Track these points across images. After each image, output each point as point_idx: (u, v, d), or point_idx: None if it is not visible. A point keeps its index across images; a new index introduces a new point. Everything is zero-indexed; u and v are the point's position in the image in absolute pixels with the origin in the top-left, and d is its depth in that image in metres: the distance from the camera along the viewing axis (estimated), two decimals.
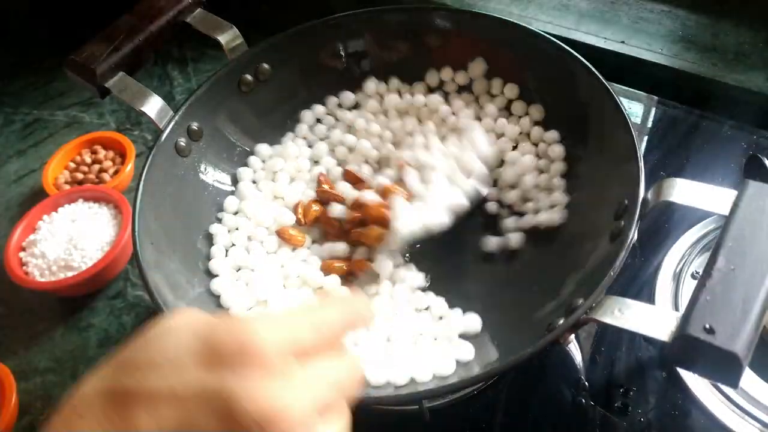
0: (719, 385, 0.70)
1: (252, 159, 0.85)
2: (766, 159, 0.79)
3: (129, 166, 1.00)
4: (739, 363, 0.44)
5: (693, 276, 0.79)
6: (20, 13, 1.24)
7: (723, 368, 0.45)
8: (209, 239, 0.79)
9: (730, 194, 0.55)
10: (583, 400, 0.72)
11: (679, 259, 0.81)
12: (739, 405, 0.69)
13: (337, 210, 0.78)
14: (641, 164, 0.64)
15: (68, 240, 0.90)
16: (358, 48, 0.89)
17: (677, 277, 0.80)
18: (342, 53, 0.89)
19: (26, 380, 0.84)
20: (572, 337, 0.73)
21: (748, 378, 0.70)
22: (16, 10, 1.21)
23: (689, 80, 0.98)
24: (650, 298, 0.79)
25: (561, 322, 0.58)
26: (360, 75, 0.90)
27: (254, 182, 0.84)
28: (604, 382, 0.75)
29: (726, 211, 0.54)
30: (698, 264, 0.80)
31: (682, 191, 0.57)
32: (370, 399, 0.62)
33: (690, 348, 0.46)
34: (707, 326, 0.46)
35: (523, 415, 0.74)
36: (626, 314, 0.52)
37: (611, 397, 0.73)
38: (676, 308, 0.76)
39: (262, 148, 0.86)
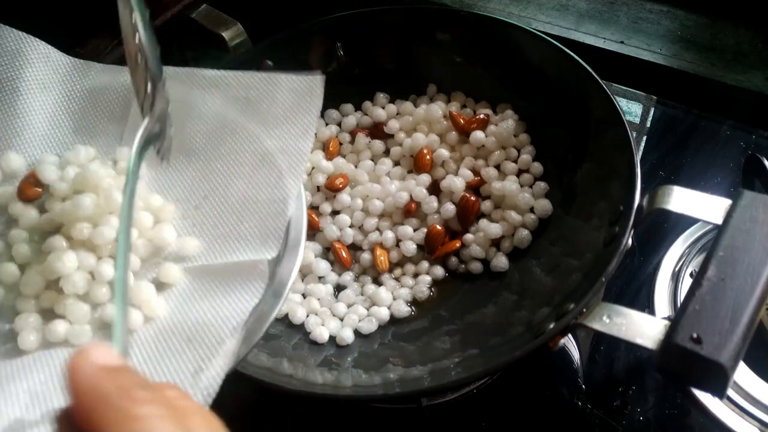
0: None
1: None
2: (765, 159, 0.79)
3: None
4: (725, 374, 0.44)
5: (692, 275, 0.79)
6: (22, 11, 1.24)
7: (709, 378, 0.45)
8: None
9: (725, 203, 0.55)
10: (580, 403, 0.73)
11: (678, 258, 0.81)
12: (738, 405, 0.69)
13: None
14: (638, 171, 0.64)
15: None
16: (358, 47, 0.89)
17: (676, 276, 0.79)
18: (341, 52, 0.90)
19: None
20: (565, 339, 0.74)
21: (748, 378, 0.70)
22: (17, 8, 1.21)
23: (688, 80, 0.98)
24: (649, 297, 0.78)
25: (551, 326, 0.58)
26: (359, 75, 0.90)
27: None
28: (603, 381, 0.75)
29: (720, 220, 0.54)
30: (697, 263, 0.80)
31: (677, 199, 0.57)
32: (368, 397, 0.62)
33: (676, 357, 0.46)
34: (695, 336, 0.46)
35: (522, 414, 0.74)
36: (615, 321, 0.52)
37: (610, 396, 0.73)
38: (675, 307, 0.77)
39: None
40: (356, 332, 0.73)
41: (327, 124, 0.89)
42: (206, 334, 0.51)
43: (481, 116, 0.83)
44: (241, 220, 0.59)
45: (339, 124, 0.90)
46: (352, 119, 0.88)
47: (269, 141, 0.62)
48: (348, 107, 0.90)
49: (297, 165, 0.60)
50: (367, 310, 0.75)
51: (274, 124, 0.64)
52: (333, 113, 0.90)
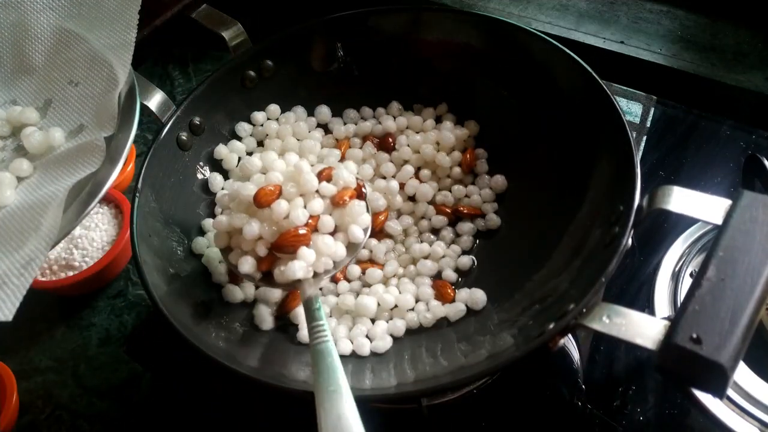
0: None
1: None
2: (765, 159, 0.79)
3: (129, 166, 1.01)
4: (725, 374, 0.44)
5: (692, 275, 0.79)
6: None
7: (709, 379, 0.45)
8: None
9: (725, 203, 0.55)
10: (580, 403, 0.73)
11: (678, 258, 0.81)
12: (738, 405, 0.69)
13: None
14: (638, 171, 0.64)
15: (69, 239, 0.90)
16: (358, 47, 0.90)
17: (676, 276, 0.80)
18: (341, 52, 0.90)
19: (27, 379, 0.84)
20: (565, 339, 0.74)
21: (748, 378, 0.70)
22: None
23: (688, 80, 0.98)
24: (649, 297, 0.79)
25: (551, 326, 0.58)
26: (358, 76, 0.90)
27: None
28: (603, 381, 0.75)
29: (720, 221, 0.54)
30: (697, 263, 0.80)
31: (677, 200, 0.57)
32: (368, 396, 0.62)
33: (676, 358, 0.46)
34: (694, 336, 0.46)
35: (522, 414, 0.74)
36: (615, 321, 0.52)
37: (610, 396, 0.73)
38: (675, 307, 0.77)
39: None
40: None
41: (345, 123, 0.89)
42: (44, 198, 0.62)
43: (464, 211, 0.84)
44: (82, 114, 0.71)
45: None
46: (367, 125, 0.88)
47: (98, 41, 0.73)
48: (367, 111, 0.90)
49: (123, 55, 0.72)
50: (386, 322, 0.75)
51: (101, 26, 0.74)
52: (351, 113, 0.90)
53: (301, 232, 0.66)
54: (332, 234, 0.69)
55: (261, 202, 0.66)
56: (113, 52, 0.72)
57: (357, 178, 0.72)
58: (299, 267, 0.65)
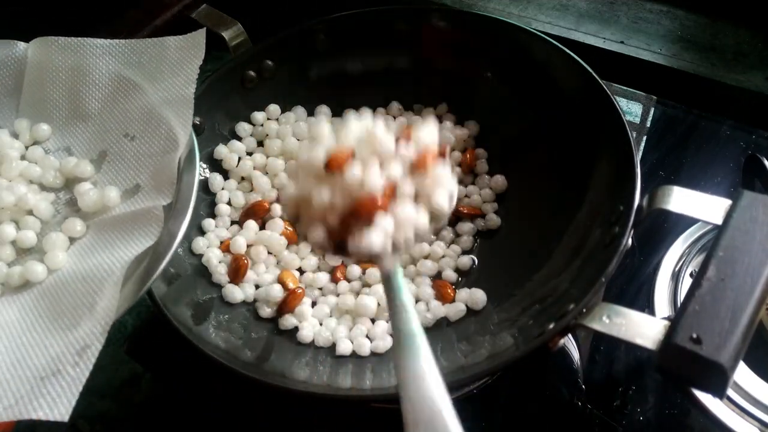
0: None
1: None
2: (765, 159, 0.79)
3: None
4: (725, 374, 0.44)
5: (692, 275, 0.79)
6: (23, 11, 1.24)
7: (709, 379, 0.45)
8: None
9: (724, 203, 0.55)
10: (580, 403, 0.73)
11: (678, 258, 0.81)
12: (738, 405, 0.69)
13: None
14: (638, 171, 0.64)
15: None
16: (358, 48, 0.90)
17: (676, 276, 0.79)
18: (341, 53, 0.90)
19: None
20: (565, 339, 0.74)
21: (748, 378, 0.70)
22: (19, 9, 1.21)
23: (688, 80, 0.98)
24: (649, 297, 0.78)
25: (551, 326, 0.58)
26: (358, 76, 0.90)
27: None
28: (603, 381, 0.75)
29: (720, 221, 0.54)
30: (697, 263, 0.80)
31: (677, 200, 0.57)
32: (368, 396, 0.62)
33: (676, 358, 0.46)
34: (694, 336, 0.46)
35: (522, 414, 0.74)
36: (615, 321, 0.52)
37: (610, 396, 0.73)
38: (675, 307, 0.76)
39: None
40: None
41: None
42: (99, 271, 0.57)
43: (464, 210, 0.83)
44: (138, 173, 0.67)
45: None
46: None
47: (156, 94, 0.69)
48: (367, 111, 0.89)
49: (184, 112, 0.67)
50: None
51: (161, 79, 0.70)
52: (351, 113, 0.89)
53: (377, 198, 0.56)
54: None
55: (332, 166, 0.57)
56: (172, 107, 0.68)
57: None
58: (376, 237, 0.55)
